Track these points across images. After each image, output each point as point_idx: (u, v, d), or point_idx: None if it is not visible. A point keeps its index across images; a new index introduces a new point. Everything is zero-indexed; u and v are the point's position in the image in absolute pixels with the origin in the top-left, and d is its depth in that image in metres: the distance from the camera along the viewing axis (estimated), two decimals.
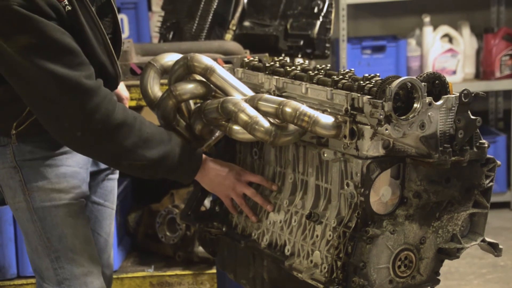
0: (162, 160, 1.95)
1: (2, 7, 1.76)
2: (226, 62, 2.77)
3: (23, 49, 1.79)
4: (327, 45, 3.25)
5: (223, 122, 1.97)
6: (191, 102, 2.11)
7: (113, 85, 2.03)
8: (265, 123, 1.85)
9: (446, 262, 1.84)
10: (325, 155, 1.83)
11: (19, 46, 1.79)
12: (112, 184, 2.28)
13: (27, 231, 2.06)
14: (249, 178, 2.06)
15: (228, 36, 3.26)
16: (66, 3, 1.85)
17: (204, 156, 2.04)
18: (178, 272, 3.05)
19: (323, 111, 1.82)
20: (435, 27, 4.65)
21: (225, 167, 2.06)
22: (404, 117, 1.69)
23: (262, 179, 2.06)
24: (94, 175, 2.18)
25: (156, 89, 2.11)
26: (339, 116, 1.77)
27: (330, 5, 3.27)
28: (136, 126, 1.91)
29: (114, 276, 3.02)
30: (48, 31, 1.80)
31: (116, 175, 2.29)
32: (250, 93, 1.99)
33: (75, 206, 2.05)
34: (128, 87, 2.65)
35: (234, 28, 3.28)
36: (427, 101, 1.70)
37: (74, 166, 2.06)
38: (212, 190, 2.10)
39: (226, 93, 2.00)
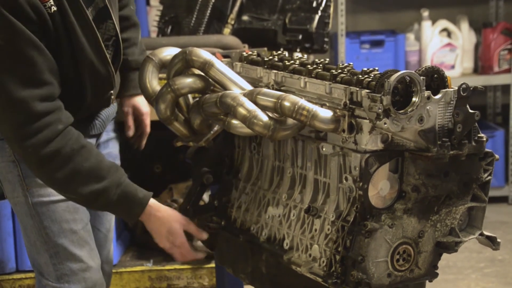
0: (94, 197, 1.91)
1: None
2: (225, 56, 2.77)
3: None
4: (326, 39, 3.25)
5: (222, 116, 1.97)
6: (190, 96, 2.11)
7: (105, 85, 2.02)
8: (263, 117, 1.85)
9: (444, 256, 1.84)
10: (324, 149, 1.83)
11: None
12: None
13: (26, 225, 2.06)
14: (183, 251, 2.06)
15: (227, 30, 3.26)
16: (52, 3, 1.82)
17: (154, 204, 2.01)
18: (177, 266, 3.05)
19: (322, 105, 1.82)
20: (434, 21, 4.65)
21: (165, 227, 2.02)
22: (402, 111, 1.69)
23: (193, 257, 2.08)
24: None
25: (154, 83, 2.11)
26: (337, 110, 1.77)
27: (328, 0, 3.27)
28: (71, 159, 1.87)
29: (113, 271, 3.01)
30: (16, 39, 1.76)
31: None
32: (248, 87, 1.99)
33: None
34: None
35: (232, 22, 3.28)
36: (425, 95, 1.70)
37: None
38: (154, 238, 2.09)
39: (224, 87, 2.00)
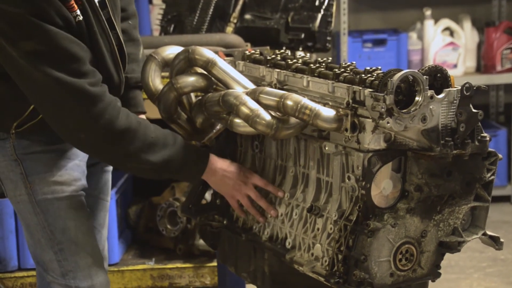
0: (166, 164, 1.97)
1: (13, 14, 1.78)
2: (227, 55, 2.76)
3: (27, 54, 1.82)
4: (328, 38, 3.25)
5: (224, 115, 1.97)
6: (192, 95, 2.11)
7: (117, 92, 2.05)
8: (266, 116, 1.85)
9: (446, 255, 1.84)
10: (326, 148, 1.83)
11: (24, 51, 1.81)
12: (106, 176, 2.29)
13: (29, 223, 2.07)
14: (255, 181, 2.05)
15: (229, 29, 3.26)
16: (78, 13, 1.88)
17: (211, 156, 2.04)
18: (179, 265, 3.05)
19: (325, 104, 1.81)
20: (436, 20, 4.65)
21: (232, 168, 2.05)
22: (405, 110, 1.68)
23: (268, 183, 2.04)
24: (89, 168, 2.19)
25: (157, 82, 2.11)
26: (340, 109, 1.77)
27: None
28: (140, 131, 1.93)
29: (115, 269, 3.02)
30: (55, 39, 1.82)
31: (110, 168, 2.31)
32: (251, 86, 1.99)
33: (77, 198, 2.06)
34: None
35: (235, 21, 3.28)
36: (428, 95, 1.69)
37: (74, 158, 2.07)
38: (219, 190, 2.10)
39: (227, 86, 2.00)
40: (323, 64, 1.93)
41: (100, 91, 1.89)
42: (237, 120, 1.94)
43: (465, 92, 1.73)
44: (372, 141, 1.71)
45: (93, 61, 1.94)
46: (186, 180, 2.06)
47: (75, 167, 2.07)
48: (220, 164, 2.05)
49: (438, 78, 1.74)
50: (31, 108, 1.96)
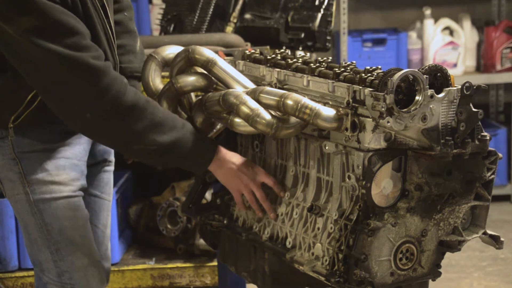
0: (173, 147, 1.92)
1: None
2: (227, 54, 2.76)
3: (26, 31, 1.77)
4: (328, 37, 3.25)
5: (225, 115, 1.97)
6: (193, 94, 2.11)
7: None
8: (266, 115, 1.85)
9: (447, 255, 1.84)
10: (327, 147, 1.83)
11: (22, 28, 1.77)
12: (108, 176, 2.28)
13: (26, 223, 2.06)
14: (264, 179, 2.01)
15: (229, 28, 3.26)
16: None
17: (220, 147, 2.00)
18: (179, 264, 3.05)
19: (325, 104, 1.81)
20: (436, 19, 4.65)
21: (241, 162, 2.01)
22: (405, 109, 1.68)
23: (275, 183, 2.01)
24: (90, 167, 2.18)
25: (157, 81, 2.11)
26: (340, 109, 1.77)
27: None
28: (148, 110, 1.88)
29: (115, 269, 3.02)
30: (51, 12, 1.78)
31: (111, 167, 2.30)
32: (251, 85, 1.99)
33: (75, 198, 2.05)
34: None
35: (235, 20, 3.28)
36: (429, 94, 1.69)
37: (73, 158, 2.06)
38: (225, 183, 2.06)
39: (227, 86, 2.00)
40: (323, 64, 1.93)
41: (104, 65, 1.84)
42: (237, 120, 1.94)
43: (465, 91, 1.73)
44: (372, 140, 1.71)
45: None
46: (192, 169, 2.00)
47: (74, 167, 2.06)
48: (229, 157, 2.01)
49: (438, 78, 1.75)
50: (28, 100, 1.94)
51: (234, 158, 2.02)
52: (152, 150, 1.91)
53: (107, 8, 2.00)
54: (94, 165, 2.21)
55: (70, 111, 1.88)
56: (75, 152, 2.07)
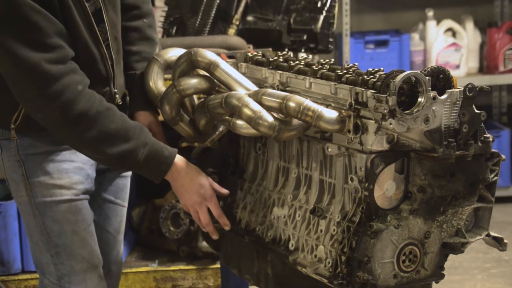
0: (123, 158, 1.92)
1: None
2: (230, 57, 2.77)
3: None
4: (331, 39, 3.25)
5: (227, 117, 1.97)
6: (195, 97, 2.11)
7: (103, 87, 2.00)
8: (269, 118, 1.85)
9: (450, 256, 1.83)
10: (329, 149, 1.82)
11: None
12: (124, 182, 2.26)
13: (29, 225, 2.07)
14: (211, 206, 2.02)
15: (232, 31, 3.26)
16: None
17: (180, 160, 1.99)
18: (182, 267, 3.05)
19: (327, 106, 1.81)
20: (439, 21, 4.64)
21: (196, 182, 2.00)
22: (408, 111, 1.68)
23: (221, 215, 2.03)
24: (105, 172, 2.17)
25: (159, 84, 2.11)
26: (343, 111, 1.77)
27: (333, 0, 3.26)
28: (98, 121, 1.88)
29: None
30: (17, 7, 1.76)
31: (128, 173, 2.27)
32: (253, 88, 1.99)
33: (77, 202, 2.05)
34: None
35: (237, 23, 3.28)
36: (431, 96, 1.69)
37: (77, 161, 2.05)
38: (178, 197, 2.06)
39: (230, 88, 2.00)
40: (326, 66, 1.93)
41: (58, 70, 1.82)
42: (240, 122, 1.94)
43: (467, 93, 1.73)
44: (375, 142, 1.71)
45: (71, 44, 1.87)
46: (148, 177, 2.01)
47: (77, 170, 2.05)
48: (186, 172, 1.99)
49: (441, 79, 1.74)
50: None
51: (191, 175, 2.00)
52: (101, 159, 1.96)
53: (105, 14, 1.96)
54: (110, 170, 2.19)
55: (26, 107, 1.91)
56: (81, 155, 2.06)
